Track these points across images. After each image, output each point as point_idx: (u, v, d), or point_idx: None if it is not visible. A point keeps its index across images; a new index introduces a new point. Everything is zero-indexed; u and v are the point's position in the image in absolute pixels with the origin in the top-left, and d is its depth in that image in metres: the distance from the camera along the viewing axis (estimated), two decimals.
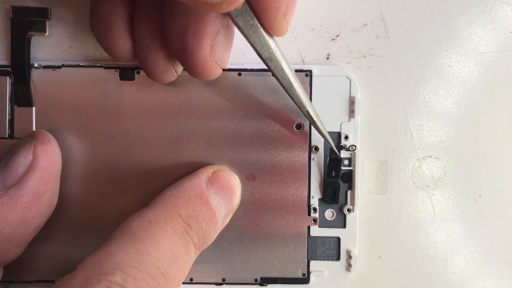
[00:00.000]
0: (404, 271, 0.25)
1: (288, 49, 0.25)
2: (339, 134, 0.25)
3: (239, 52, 0.25)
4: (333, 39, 0.25)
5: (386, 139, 0.25)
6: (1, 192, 0.20)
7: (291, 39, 0.25)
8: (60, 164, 0.23)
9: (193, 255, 0.21)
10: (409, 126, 0.25)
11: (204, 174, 0.23)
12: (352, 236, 0.25)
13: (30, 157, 0.21)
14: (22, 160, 0.21)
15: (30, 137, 0.22)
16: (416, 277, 0.25)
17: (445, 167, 0.26)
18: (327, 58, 0.25)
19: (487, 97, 0.26)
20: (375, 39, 0.25)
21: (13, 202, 0.20)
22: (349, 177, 0.25)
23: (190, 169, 0.24)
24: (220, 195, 0.23)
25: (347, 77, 0.25)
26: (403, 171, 0.25)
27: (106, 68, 0.24)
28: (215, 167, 0.24)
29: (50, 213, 0.22)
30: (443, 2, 0.25)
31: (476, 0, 0.25)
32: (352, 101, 0.25)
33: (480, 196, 0.26)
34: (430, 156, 0.26)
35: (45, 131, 0.23)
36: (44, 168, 0.21)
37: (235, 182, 0.24)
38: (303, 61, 0.25)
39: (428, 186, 0.26)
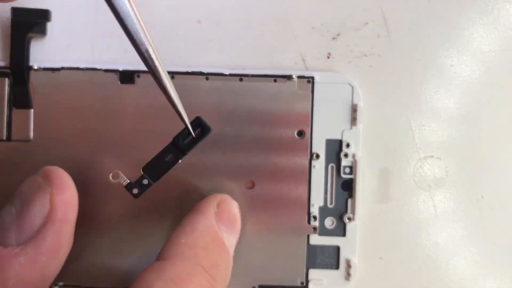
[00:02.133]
0: (405, 272, 0.25)
1: (288, 48, 0.25)
2: (340, 142, 0.25)
3: (240, 57, 0.25)
4: (333, 38, 0.25)
5: (387, 139, 0.25)
6: (17, 250, 0.19)
7: (291, 38, 0.25)
8: (77, 207, 0.21)
9: None
10: (411, 126, 0.25)
11: (211, 210, 0.22)
12: (352, 245, 0.25)
13: (47, 206, 0.19)
14: (38, 210, 0.19)
15: (45, 181, 0.20)
16: (417, 278, 0.25)
17: (446, 167, 0.25)
18: (328, 57, 0.25)
19: (489, 96, 0.25)
20: (376, 38, 0.25)
21: (31, 262, 0.19)
22: (349, 186, 0.25)
23: (191, 173, 0.24)
24: (229, 230, 0.22)
25: (349, 84, 0.24)
26: (404, 172, 0.25)
27: (106, 71, 0.24)
28: (217, 198, 0.22)
29: (67, 256, 0.21)
30: (445, 1, 0.25)
31: None
32: (354, 109, 0.24)
33: (482, 196, 0.26)
34: (432, 156, 0.25)
35: (61, 171, 0.20)
36: (63, 219, 0.20)
37: (237, 210, 0.23)
38: (303, 60, 0.25)
39: (430, 186, 0.26)
